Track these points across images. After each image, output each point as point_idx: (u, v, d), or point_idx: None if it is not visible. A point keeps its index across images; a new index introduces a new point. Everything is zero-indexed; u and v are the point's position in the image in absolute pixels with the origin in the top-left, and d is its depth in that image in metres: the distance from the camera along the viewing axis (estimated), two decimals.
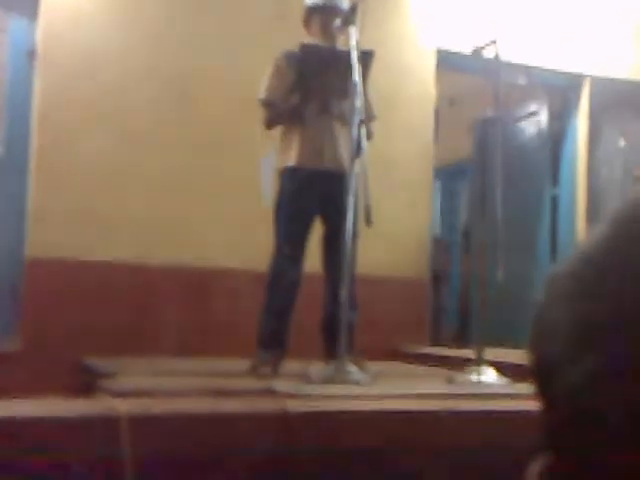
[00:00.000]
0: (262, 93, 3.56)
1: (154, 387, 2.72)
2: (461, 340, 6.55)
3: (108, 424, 2.10)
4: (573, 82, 5.97)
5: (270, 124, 3.60)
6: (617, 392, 0.42)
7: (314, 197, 3.52)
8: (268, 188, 4.41)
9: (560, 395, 0.46)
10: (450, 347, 5.94)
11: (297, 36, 3.67)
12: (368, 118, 3.43)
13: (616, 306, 0.44)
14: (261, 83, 3.58)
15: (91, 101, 4.59)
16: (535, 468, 0.50)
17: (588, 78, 5.92)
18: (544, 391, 0.48)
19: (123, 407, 2.20)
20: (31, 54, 4.64)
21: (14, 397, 2.22)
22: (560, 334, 0.46)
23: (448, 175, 8.14)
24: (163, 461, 2.17)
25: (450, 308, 7.36)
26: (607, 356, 0.43)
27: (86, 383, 3.22)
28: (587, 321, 0.45)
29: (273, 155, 3.80)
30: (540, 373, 0.48)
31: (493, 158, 3.57)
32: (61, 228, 4.43)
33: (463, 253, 7.37)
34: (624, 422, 0.42)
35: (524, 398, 2.75)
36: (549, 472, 0.48)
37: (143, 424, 2.18)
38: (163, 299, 4.60)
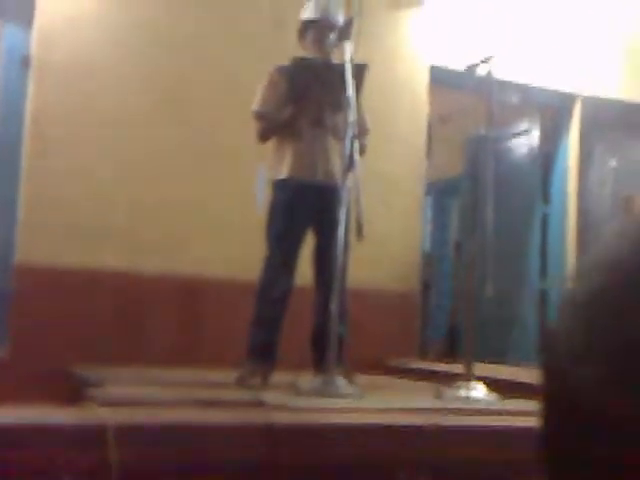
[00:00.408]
0: (256, 105, 3.58)
1: (142, 397, 2.72)
2: (449, 355, 6.55)
3: (95, 433, 2.10)
4: (565, 101, 6.02)
5: (263, 136, 3.61)
6: (622, 398, 0.43)
7: (306, 209, 3.53)
8: (261, 197, 4.42)
9: (565, 400, 0.46)
10: (438, 361, 5.93)
11: (294, 47, 3.69)
12: (361, 132, 3.45)
13: (621, 315, 0.45)
14: (255, 95, 3.60)
15: (85, 109, 4.58)
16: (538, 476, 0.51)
17: (579, 98, 5.97)
18: (553, 400, 0.48)
19: (110, 416, 2.19)
20: (26, 61, 4.64)
21: (1, 405, 2.21)
22: (569, 343, 0.47)
23: (439, 191, 8.17)
24: (149, 470, 2.16)
25: (439, 323, 7.34)
26: (612, 363, 0.44)
27: (74, 392, 3.20)
28: (594, 330, 0.46)
29: (266, 164, 3.81)
30: (548, 381, 0.49)
31: (485, 175, 3.59)
32: (51, 236, 4.41)
33: (455, 268, 7.35)
34: (628, 427, 0.43)
35: (513, 414, 2.75)
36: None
37: (130, 433, 2.17)
38: (152, 308, 4.58)
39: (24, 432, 2.07)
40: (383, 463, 2.45)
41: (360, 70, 3.43)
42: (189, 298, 4.69)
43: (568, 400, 0.46)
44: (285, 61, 3.54)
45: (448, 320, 7.25)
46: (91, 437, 2.11)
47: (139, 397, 2.69)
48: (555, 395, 0.48)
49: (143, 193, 4.65)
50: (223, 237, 4.74)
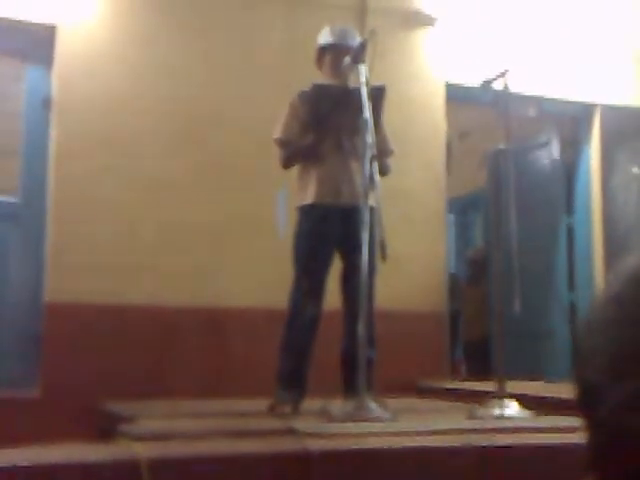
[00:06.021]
0: (278, 133, 3.60)
1: (174, 430, 2.71)
2: (471, 373, 6.47)
3: (129, 468, 2.09)
4: (584, 111, 5.99)
5: (287, 163, 3.63)
6: None
7: (332, 233, 3.53)
8: (282, 223, 4.43)
9: (604, 415, 0.46)
10: (468, 380, 5.86)
11: (311, 75, 3.71)
12: (385, 153, 3.46)
13: None
14: (277, 123, 3.62)
15: (107, 148, 4.64)
16: None
17: (598, 107, 5.94)
18: (589, 413, 0.48)
19: (143, 451, 2.19)
20: (47, 102, 4.71)
21: (35, 444, 2.22)
22: (604, 357, 0.46)
23: (461, 207, 8.14)
24: None
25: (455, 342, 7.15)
26: None
27: (106, 427, 3.21)
28: (630, 344, 0.45)
29: (286, 190, 3.82)
30: (585, 395, 0.48)
31: (506, 190, 3.57)
32: (78, 274, 4.45)
33: (468, 284, 7.23)
34: None
35: (548, 431, 2.71)
36: None
37: (164, 467, 2.16)
38: (180, 341, 4.59)
39: (58, 470, 2.07)
40: None
41: (379, 92, 3.45)
42: (216, 329, 4.69)
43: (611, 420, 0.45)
44: (301, 88, 3.57)
45: (463, 338, 7.13)
46: (125, 472, 2.11)
47: (171, 430, 2.69)
48: (597, 418, 0.47)
49: (166, 228, 4.68)
50: (249, 266, 4.75)
